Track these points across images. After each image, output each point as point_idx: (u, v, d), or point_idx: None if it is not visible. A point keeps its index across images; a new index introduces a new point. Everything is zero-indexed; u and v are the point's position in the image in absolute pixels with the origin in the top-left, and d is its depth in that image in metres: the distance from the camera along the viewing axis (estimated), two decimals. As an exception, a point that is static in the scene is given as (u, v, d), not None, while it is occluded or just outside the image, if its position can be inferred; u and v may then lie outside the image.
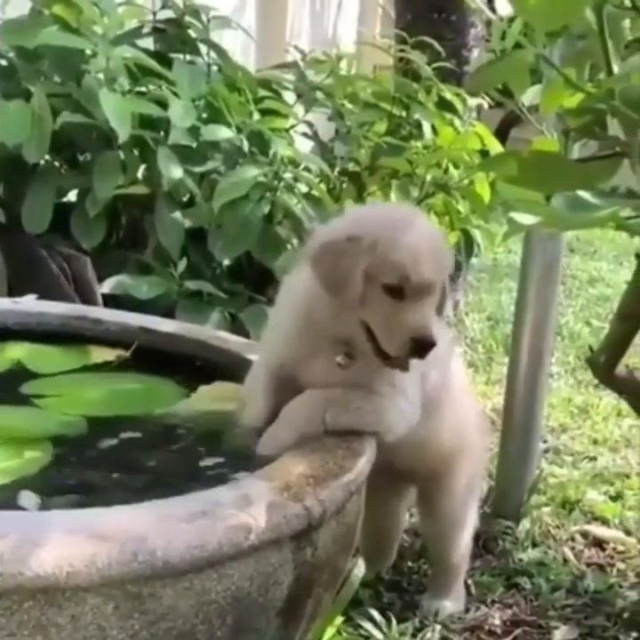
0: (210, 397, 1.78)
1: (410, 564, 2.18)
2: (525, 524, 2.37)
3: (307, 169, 2.93)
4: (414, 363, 1.54)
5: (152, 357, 1.96)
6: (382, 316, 1.49)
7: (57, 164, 2.73)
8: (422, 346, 1.48)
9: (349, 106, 3.42)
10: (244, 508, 1.27)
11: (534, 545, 2.31)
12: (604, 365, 1.49)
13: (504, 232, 1.31)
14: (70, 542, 1.14)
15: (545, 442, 2.94)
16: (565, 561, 2.26)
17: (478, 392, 3.35)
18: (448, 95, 3.52)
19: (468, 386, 1.97)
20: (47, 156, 2.66)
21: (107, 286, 2.43)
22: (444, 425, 1.78)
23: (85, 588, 1.13)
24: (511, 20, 1.47)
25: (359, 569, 1.67)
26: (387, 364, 1.52)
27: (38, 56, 2.69)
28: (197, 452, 1.60)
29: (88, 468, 1.50)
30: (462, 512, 1.97)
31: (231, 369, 1.85)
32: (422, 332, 1.48)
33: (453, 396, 1.81)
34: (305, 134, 3.35)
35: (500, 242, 4.03)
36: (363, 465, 1.48)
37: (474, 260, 4.92)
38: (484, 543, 2.29)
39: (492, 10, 1.37)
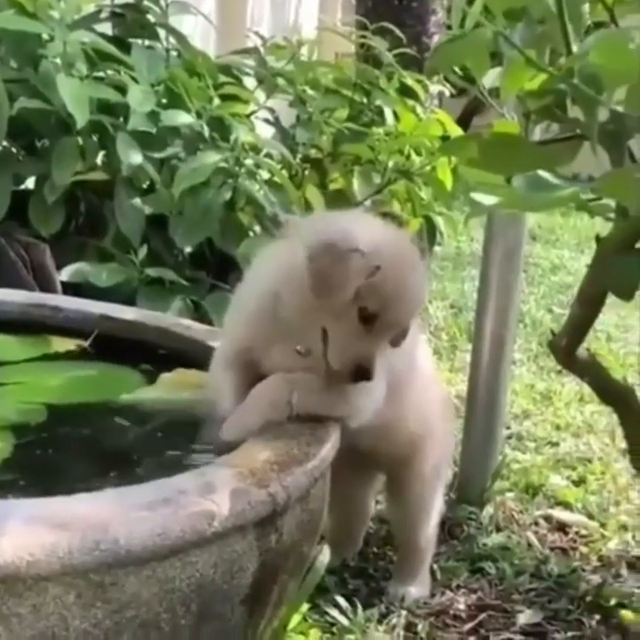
0: (172, 384, 1.77)
1: (376, 550, 2.17)
2: (489, 509, 2.38)
3: (268, 155, 2.92)
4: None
5: (113, 345, 1.94)
6: (342, 332, 1.49)
7: (14, 150, 2.69)
8: (359, 375, 1.49)
9: (311, 92, 3.40)
10: (206, 495, 1.25)
11: (498, 530, 2.31)
12: (564, 349, 1.49)
13: (466, 214, 1.30)
14: (30, 531, 1.11)
15: (508, 428, 2.95)
16: (529, 545, 2.27)
17: (442, 379, 3.35)
18: (409, 81, 3.51)
19: (434, 371, 1.96)
20: (4, 143, 2.62)
21: (66, 274, 2.40)
22: (409, 409, 1.78)
23: (46, 577, 1.11)
24: (471, 1, 1.46)
25: (325, 556, 1.66)
26: (327, 372, 1.51)
27: (-5, 42, 2.64)
28: (160, 438, 1.59)
29: (49, 457, 1.47)
30: (429, 497, 1.97)
31: (194, 356, 1.82)
32: (366, 363, 1.48)
33: (419, 381, 1.81)
34: (266, 120, 3.33)
35: (463, 226, 4.04)
36: (327, 451, 1.47)
37: (437, 249, 4.94)
38: (448, 529, 2.28)
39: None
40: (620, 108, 1.18)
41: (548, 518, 2.40)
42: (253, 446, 1.43)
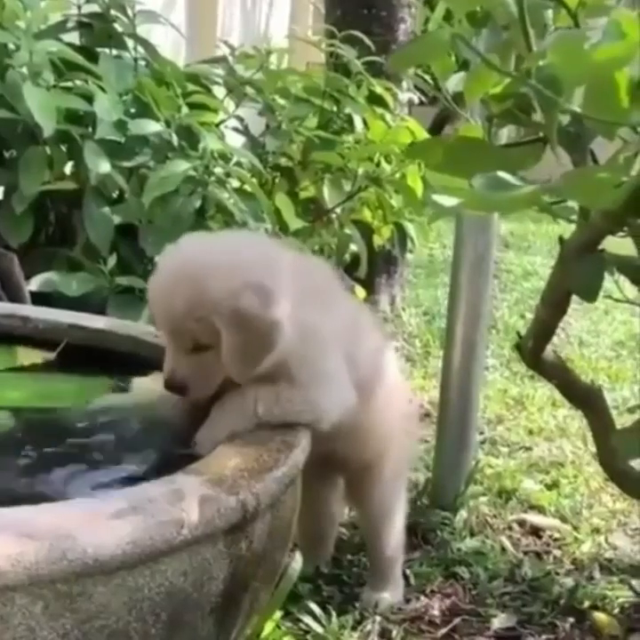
0: (147, 390, 1.76)
1: (349, 557, 2.17)
2: (463, 514, 2.38)
3: (238, 164, 2.91)
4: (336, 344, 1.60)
5: (84, 355, 1.93)
6: None
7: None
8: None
9: (280, 101, 3.41)
10: (175, 503, 1.24)
11: (472, 534, 2.32)
12: (531, 351, 1.50)
13: (430, 216, 1.31)
14: (-4, 541, 1.10)
15: (481, 433, 2.96)
16: (503, 549, 2.27)
17: (416, 386, 3.37)
18: (379, 90, 3.52)
19: (398, 376, 1.97)
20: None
21: (35, 284, 2.38)
22: (377, 412, 1.79)
23: (13, 587, 1.09)
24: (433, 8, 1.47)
25: (297, 563, 1.65)
26: None
27: (-40, 52, 2.62)
28: (130, 446, 1.58)
29: (16, 467, 1.46)
30: (392, 500, 1.98)
31: (164, 364, 1.81)
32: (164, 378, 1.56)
33: (386, 384, 1.82)
34: (236, 129, 3.33)
35: (429, 230, 4.05)
36: (297, 457, 1.47)
37: (410, 256, 4.97)
38: (422, 534, 2.29)
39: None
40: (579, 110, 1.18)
41: (521, 522, 2.41)
42: (223, 453, 1.42)
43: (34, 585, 1.11)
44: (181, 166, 2.53)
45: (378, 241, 3.44)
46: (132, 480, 1.40)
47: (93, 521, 1.17)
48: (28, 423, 1.61)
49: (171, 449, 1.55)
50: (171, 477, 1.33)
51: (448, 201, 1.08)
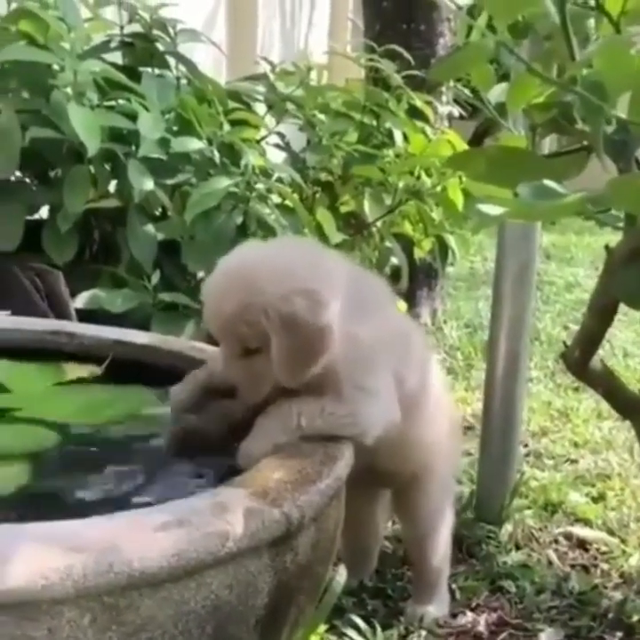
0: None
1: (393, 570, 2.16)
2: (508, 527, 2.37)
3: (279, 179, 2.93)
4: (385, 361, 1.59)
5: (128, 370, 1.95)
6: None
7: (27, 180, 2.71)
8: None
9: (321, 116, 3.42)
10: (220, 516, 1.25)
11: (517, 548, 2.31)
12: (577, 361, 1.49)
13: (471, 228, 1.31)
14: (44, 554, 1.11)
15: (526, 446, 2.94)
16: (549, 563, 2.26)
17: (458, 398, 3.35)
18: (418, 103, 3.52)
19: (443, 388, 1.97)
20: (17, 173, 2.64)
21: (80, 301, 2.41)
22: (423, 426, 1.78)
23: (61, 600, 1.11)
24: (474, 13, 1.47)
25: (341, 576, 1.65)
26: None
27: (6, 73, 2.67)
28: (176, 460, 1.59)
29: (64, 481, 1.48)
30: (438, 513, 1.97)
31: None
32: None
33: (431, 398, 1.81)
34: (277, 145, 3.35)
35: (473, 241, 4.04)
36: (341, 469, 1.47)
37: (451, 269, 4.96)
38: (467, 548, 2.28)
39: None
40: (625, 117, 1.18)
41: (568, 536, 2.39)
42: (267, 466, 1.42)
43: (81, 598, 1.12)
44: (223, 183, 2.54)
45: (419, 254, 3.44)
46: (176, 491, 1.42)
47: (139, 533, 1.18)
48: (75, 436, 1.63)
49: (214, 461, 1.56)
50: (215, 490, 1.34)
51: (492, 210, 1.08)
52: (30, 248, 2.57)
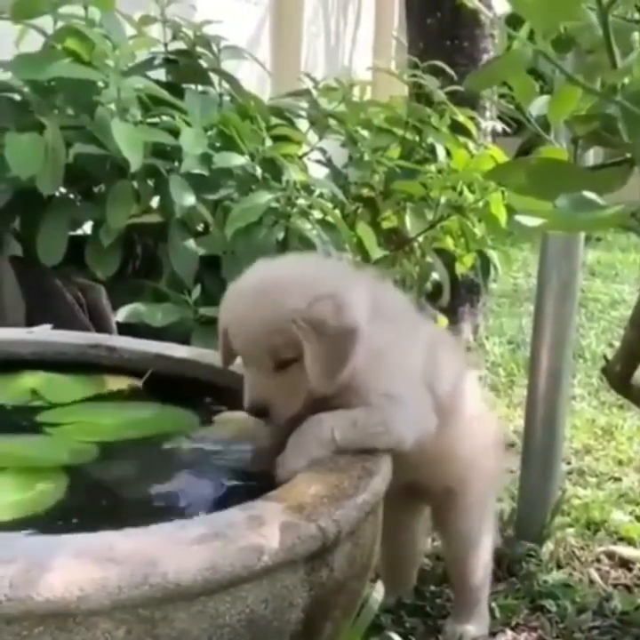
0: (230, 423, 1.77)
1: (432, 588, 2.15)
2: (549, 545, 2.34)
3: (321, 195, 2.93)
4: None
5: (167, 383, 1.96)
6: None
7: (71, 195, 2.74)
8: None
9: (363, 132, 3.43)
10: (256, 529, 1.24)
11: (559, 566, 2.28)
12: (619, 375, 1.47)
13: (514, 236, 1.30)
14: (80, 566, 1.12)
15: (568, 463, 2.91)
16: (591, 582, 2.22)
17: (500, 415, 3.33)
18: (461, 119, 3.51)
19: (482, 404, 1.95)
20: (62, 189, 2.67)
21: (121, 315, 2.42)
22: (458, 438, 1.77)
23: (96, 612, 1.11)
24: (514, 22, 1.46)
25: (378, 593, 1.64)
26: None
27: (52, 90, 2.70)
28: (212, 475, 1.59)
29: (101, 496, 1.48)
30: (478, 531, 1.94)
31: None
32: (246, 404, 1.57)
33: (468, 411, 1.80)
34: (319, 161, 3.36)
35: (514, 251, 4.01)
36: (378, 484, 1.46)
37: (494, 285, 4.93)
38: (507, 566, 2.25)
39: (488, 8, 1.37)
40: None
41: (610, 555, 2.36)
42: (304, 480, 1.42)
43: (116, 609, 1.12)
44: (264, 198, 2.56)
45: (460, 269, 3.43)
46: (212, 506, 1.42)
47: (174, 546, 1.18)
48: (113, 450, 1.64)
49: (250, 476, 1.56)
50: (251, 503, 1.34)
51: (531, 222, 1.07)
52: (74, 263, 2.60)
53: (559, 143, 1.51)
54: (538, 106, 1.45)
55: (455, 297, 4.06)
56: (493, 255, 3.55)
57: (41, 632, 1.10)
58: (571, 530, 2.44)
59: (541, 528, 2.37)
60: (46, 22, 2.75)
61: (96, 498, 1.48)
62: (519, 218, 1.08)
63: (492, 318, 4.89)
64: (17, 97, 2.77)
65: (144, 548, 1.17)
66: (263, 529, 1.25)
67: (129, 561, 1.14)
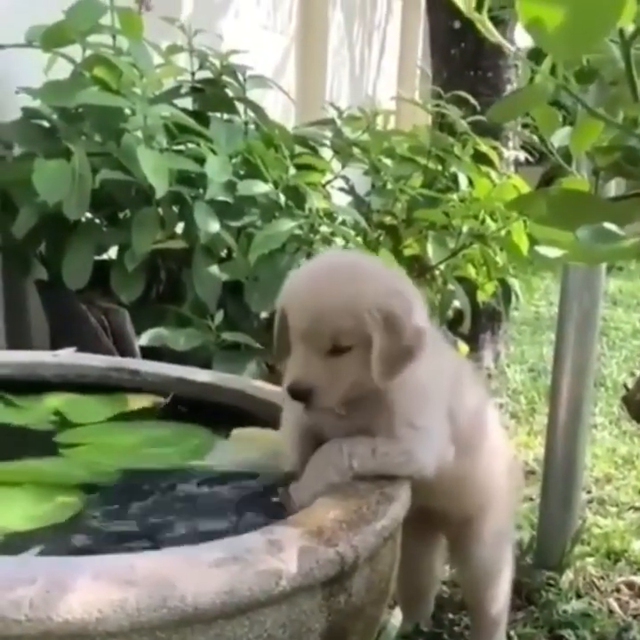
0: (245, 441, 1.79)
1: (450, 615, 2.14)
2: (569, 574, 2.33)
3: (343, 222, 2.96)
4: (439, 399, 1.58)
5: (189, 407, 1.98)
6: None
7: (97, 220, 2.77)
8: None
9: (386, 161, 3.45)
10: (275, 554, 1.25)
11: (578, 596, 2.27)
12: (639, 403, 1.47)
13: (535, 264, 1.31)
14: (99, 587, 1.13)
15: (588, 492, 2.90)
16: (610, 612, 2.21)
17: (520, 443, 3.32)
18: (484, 148, 3.53)
19: (501, 431, 1.95)
20: (88, 214, 2.70)
21: (145, 338, 2.45)
22: (477, 467, 1.77)
23: (115, 634, 1.12)
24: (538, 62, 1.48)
25: (396, 619, 1.65)
26: None
27: (80, 117, 2.74)
28: (230, 497, 1.60)
29: (119, 516, 1.49)
30: (496, 560, 1.94)
31: (268, 417, 1.83)
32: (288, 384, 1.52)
33: (486, 439, 1.80)
34: (341, 189, 3.38)
35: (535, 280, 4.01)
36: (397, 510, 1.47)
37: (516, 313, 4.93)
38: (526, 594, 2.25)
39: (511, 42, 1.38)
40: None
41: (630, 584, 2.35)
42: (322, 505, 1.43)
43: (134, 631, 1.13)
44: (287, 225, 2.58)
45: (482, 297, 3.44)
46: (231, 530, 1.43)
47: (193, 569, 1.19)
48: (132, 470, 1.66)
49: (270, 500, 1.57)
50: (270, 528, 1.35)
51: (552, 252, 1.08)
52: (99, 287, 2.63)
53: (581, 174, 1.52)
54: (560, 137, 1.46)
55: (476, 324, 4.06)
56: (514, 283, 3.55)
57: (60, 653, 1.11)
58: (590, 559, 2.44)
59: (561, 557, 2.37)
60: (75, 51, 2.80)
61: (112, 515, 1.49)
62: (540, 249, 1.09)
63: (513, 346, 4.89)
64: (46, 124, 2.81)
65: (163, 571, 1.18)
66: (282, 553, 1.26)
67: (147, 583, 1.15)
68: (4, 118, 2.83)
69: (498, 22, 1.12)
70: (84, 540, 1.39)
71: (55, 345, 2.43)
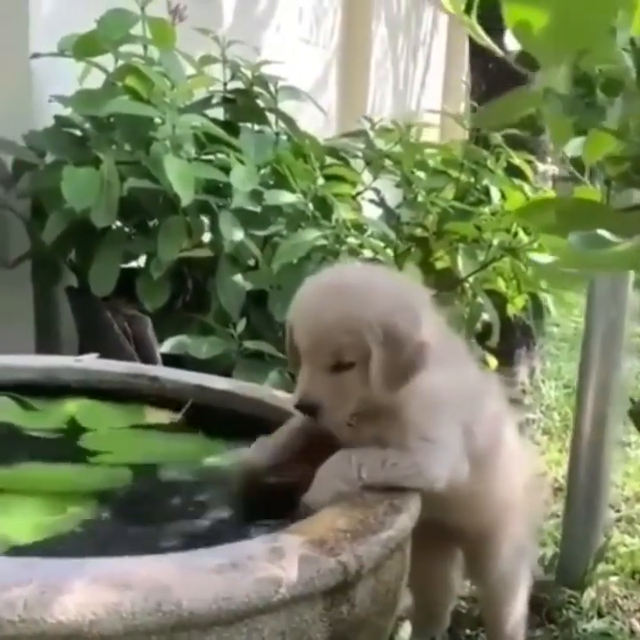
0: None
1: (468, 631, 2.12)
2: (591, 593, 2.29)
3: (373, 234, 2.94)
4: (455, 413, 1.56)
5: (207, 415, 1.97)
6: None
7: (126, 229, 2.79)
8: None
9: (419, 173, 3.44)
10: (275, 561, 1.24)
11: (600, 615, 2.23)
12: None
13: (532, 273, 1.29)
14: (94, 590, 1.12)
15: (618, 511, 2.85)
16: (632, 632, 2.17)
17: (550, 460, 3.28)
18: (517, 161, 3.51)
19: (520, 447, 1.92)
20: (118, 222, 2.72)
21: (167, 346, 2.45)
22: (493, 482, 1.74)
23: (109, 637, 1.11)
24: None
25: (405, 632, 1.63)
26: None
27: (111, 126, 2.77)
28: (241, 505, 1.60)
29: (129, 521, 1.50)
30: (513, 575, 1.91)
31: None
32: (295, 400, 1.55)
33: (504, 454, 1.77)
34: (372, 201, 3.38)
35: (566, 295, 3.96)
36: (405, 521, 1.45)
37: (554, 329, 4.88)
38: (547, 612, 2.21)
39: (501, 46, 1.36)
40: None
41: (654, 605, 2.31)
42: (328, 514, 1.41)
43: (129, 635, 1.12)
44: (312, 235, 2.58)
45: (512, 310, 3.40)
46: (239, 536, 1.42)
47: (190, 574, 1.19)
48: (145, 478, 1.66)
49: (277, 509, 1.55)
50: (273, 535, 1.34)
51: (544, 259, 1.06)
52: (125, 295, 2.64)
53: (594, 184, 1.51)
54: (573, 147, 1.45)
55: (511, 339, 4.03)
56: (547, 298, 3.51)
57: (54, 654, 1.11)
58: (614, 578, 2.39)
59: (583, 575, 2.33)
60: (109, 60, 2.83)
61: (124, 523, 1.50)
62: (532, 255, 1.07)
63: (550, 362, 4.84)
64: (78, 132, 2.84)
65: (159, 575, 1.17)
66: (282, 561, 1.25)
67: (143, 587, 1.14)
68: (40, 126, 2.87)
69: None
70: (88, 545, 1.39)
71: (83, 352, 2.44)
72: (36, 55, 2.88)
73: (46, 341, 3.04)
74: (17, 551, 1.35)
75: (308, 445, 1.64)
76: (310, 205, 2.74)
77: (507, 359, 4.27)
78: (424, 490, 1.53)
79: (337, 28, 6.27)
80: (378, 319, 1.47)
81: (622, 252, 1.00)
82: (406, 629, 1.64)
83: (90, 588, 1.13)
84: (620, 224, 1.28)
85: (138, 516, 1.53)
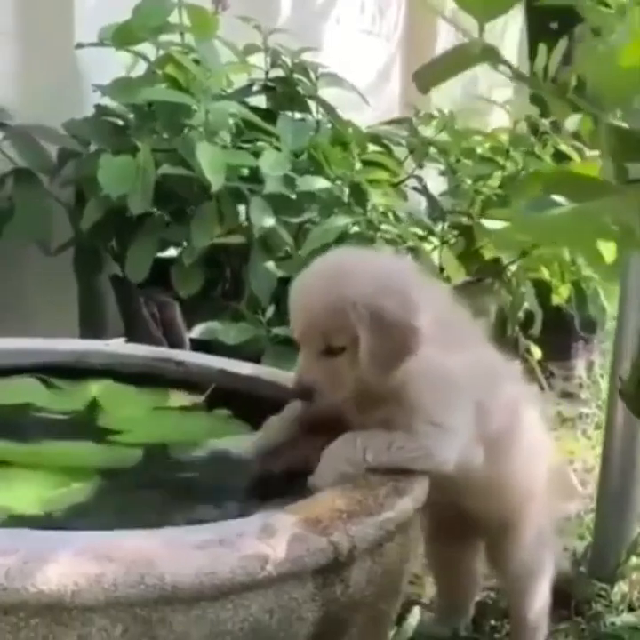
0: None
1: (492, 622, 2.08)
2: (622, 586, 2.24)
3: (411, 221, 2.92)
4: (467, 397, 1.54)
5: (232, 399, 1.97)
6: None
7: (163, 217, 2.80)
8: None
9: (466, 161, 3.41)
10: (264, 539, 1.24)
11: (631, 609, 2.18)
12: (637, 396, 1.40)
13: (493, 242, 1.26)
14: (77, 561, 1.14)
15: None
16: (661, 627, 2.12)
17: (598, 454, 3.21)
18: (564, 147, 3.45)
19: (543, 434, 1.88)
20: (155, 210, 2.74)
21: (196, 331, 2.47)
22: (513, 468, 1.71)
23: (91, 607, 1.13)
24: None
25: (414, 617, 1.61)
26: None
27: (151, 114, 2.79)
28: (249, 486, 1.60)
29: (132, 500, 1.51)
30: (535, 563, 1.88)
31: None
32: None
33: (524, 440, 1.74)
34: (415, 188, 3.35)
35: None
36: (406, 504, 1.43)
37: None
38: (575, 605, 2.17)
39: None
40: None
41: (687, 600, 2.24)
42: (329, 495, 1.41)
43: (111, 607, 1.14)
44: (342, 221, 2.57)
45: (556, 300, 3.33)
46: (236, 517, 1.42)
47: (175, 549, 1.19)
48: (158, 458, 1.67)
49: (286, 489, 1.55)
50: (268, 513, 1.34)
51: (494, 225, 1.03)
52: (160, 283, 2.66)
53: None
54: (573, 122, 1.42)
55: (568, 332, 3.98)
56: (600, 292, 3.43)
57: (37, 624, 1.13)
58: (647, 572, 2.34)
59: (615, 568, 2.28)
60: (151, 49, 2.85)
61: (126, 500, 1.51)
62: (483, 222, 1.04)
63: (604, 358, 4.75)
64: (119, 121, 2.87)
65: (144, 549, 1.18)
66: (271, 539, 1.25)
67: (126, 560, 1.15)
68: (82, 115, 2.91)
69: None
70: (85, 520, 1.40)
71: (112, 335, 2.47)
72: (80, 45, 2.92)
73: (90, 329, 3.08)
74: (16, 521, 1.36)
75: (317, 425, 1.63)
76: (346, 191, 2.73)
77: (564, 352, 4.21)
78: (432, 472, 1.51)
79: (401, 20, 6.22)
80: (363, 302, 1.46)
81: (567, 214, 0.97)
82: (415, 615, 1.62)
83: (74, 559, 1.14)
84: (614, 197, 1.24)
85: (142, 493, 1.54)
